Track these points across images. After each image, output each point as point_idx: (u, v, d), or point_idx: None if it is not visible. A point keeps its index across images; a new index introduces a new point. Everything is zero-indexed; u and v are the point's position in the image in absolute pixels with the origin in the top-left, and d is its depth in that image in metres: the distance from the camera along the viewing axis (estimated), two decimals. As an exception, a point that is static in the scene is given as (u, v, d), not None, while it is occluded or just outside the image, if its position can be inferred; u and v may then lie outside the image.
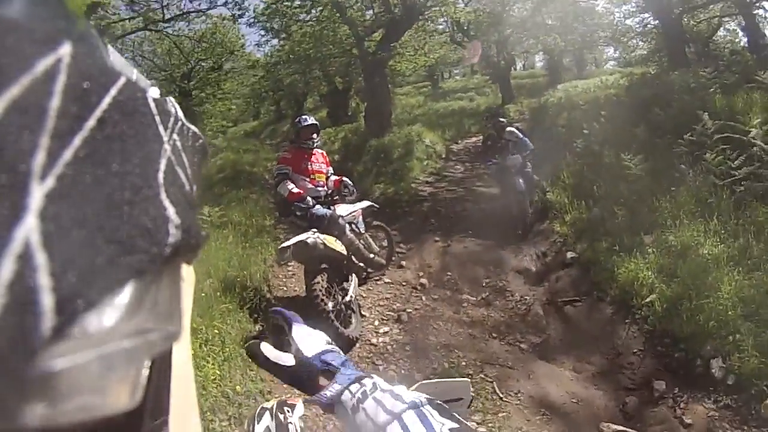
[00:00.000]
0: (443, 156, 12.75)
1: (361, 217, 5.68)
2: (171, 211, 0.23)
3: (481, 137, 12.86)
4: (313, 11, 14.67)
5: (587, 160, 8.11)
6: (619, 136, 7.91)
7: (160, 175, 0.24)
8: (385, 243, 6.39)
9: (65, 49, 0.20)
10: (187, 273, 0.36)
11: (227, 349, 4.30)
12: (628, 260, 5.16)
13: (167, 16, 16.63)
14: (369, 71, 13.18)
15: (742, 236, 4.69)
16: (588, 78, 19.67)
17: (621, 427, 3.70)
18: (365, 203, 5.91)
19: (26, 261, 0.17)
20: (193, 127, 0.31)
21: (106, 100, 0.22)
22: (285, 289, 6.05)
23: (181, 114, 0.30)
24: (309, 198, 5.17)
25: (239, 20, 15.00)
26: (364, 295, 5.75)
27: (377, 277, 6.17)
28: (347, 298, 4.88)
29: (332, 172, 5.76)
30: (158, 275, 0.23)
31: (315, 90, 20.89)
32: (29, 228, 0.17)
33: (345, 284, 5.01)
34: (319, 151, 5.71)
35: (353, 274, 5.21)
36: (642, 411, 3.86)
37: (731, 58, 11.80)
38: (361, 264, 5.47)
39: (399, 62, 15.67)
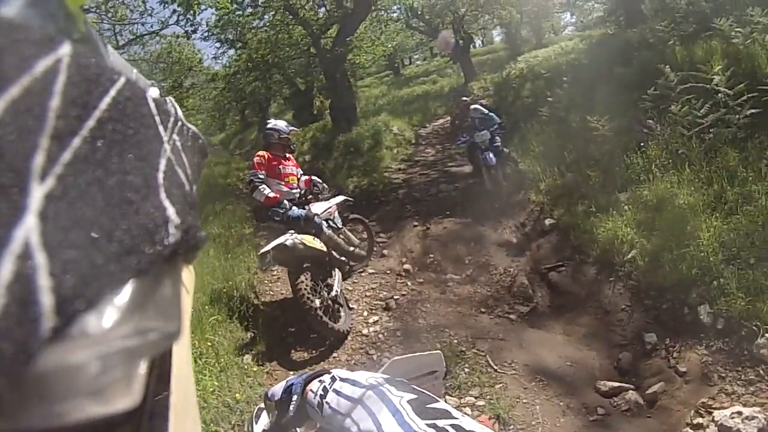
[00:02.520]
0: (413, 141, 12.83)
1: (336, 213, 5.69)
2: (171, 210, 0.24)
3: (448, 118, 12.95)
4: (266, 17, 14.56)
5: (555, 127, 8.18)
6: (583, 99, 7.96)
7: (160, 175, 0.24)
8: (364, 235, 6.42)
9: (65, 50, 0.20)
10: (187, 273, 0.36)
11: (222, 360, 4.31)
12: (606, 220, 5.21)
13: (121, 42, 16.40)
14: (329, 68, 13.12)
15: (716, 182, 4.72)
16: (548, 46, 19.67)
17: (617, 383, 3.76)
18: (339, 198, 5.93)
19: (26, 261, 0.17)
20: (193, 128, 0.31)
21: (106, 101, 0.22)
22: (272, 293, 6.03)
23: (180, 114, 0.30)
24: (286, 201, 5.17)
25: (193, 36, 14.81)
26: (350, 288, 5.75)
27: (361, 269, 6.18)
28: (333, 293, 4.89)
29: (302, 172, 5.75)
30: (158, 275, 0.23)
31: (278, 94, 20.75)
32: (29, 228, 0.17)
33: (329, 280, 5.02)
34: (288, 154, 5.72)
35: (336, 269, 5.21)
36: (636, 365, 3.92)
37: (687, 8, 11.86)
38: (343, 258, 5.50)
39: (358, 55, 15.62)
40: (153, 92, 0.26)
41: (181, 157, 0.27)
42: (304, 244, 4.71)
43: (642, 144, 5.90)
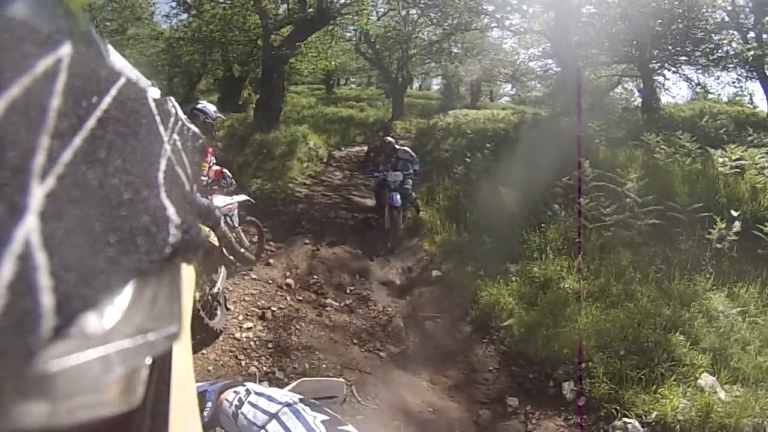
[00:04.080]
0: (324, 161, 12.86)
1: (236, 211, 5.58)
2: (171, 211, 0.24)
3: (365, 148, 13.04)
4: (230, -7, 14.26)
5: (464, 187, 8.48)
6: (500, 168, 8.34)
7: (161, 175, 0.24)
8: (255, 239, 6.29)
9: (65, 50, 0.20)
10: (187, 273, 0.35)
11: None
12: (492, 285, 5.47)
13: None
14: (269, 65, 13.02)
15: (604, 276, 5.11)
16: (480, 109, 20.21)
17: (476, 437, 3.91)
18: (242, 197, 5.76)
19: (26, 261, 0.17)
20: (193, 127, 0.31)
21: (107, 100, 0.22)
22: (153, 276, 5.82)
23: (181, 114, 0.30)
24: None
25: (155, -13, 14.24)
26: (231, 289, 5.63)
27: (244, 272, 6.05)
28: (215, 290, 4.77)
29: (214, 161, 5.62)
30: (158, 275, 0.23)
31: (211, 73, 20.15)
32: (29, 228, 0.17)
33: (214, 276, 4.88)
34: None
35: (222, 267, 5.09)
36: (495, 424, 4.08)
37: (623, 114, 12.63)
38: (231, 257, 5.40)
39: (300, 61, 15.47)
40: (153, 92, 0.27)
41: (181, 157, 0.28)
42: (197, 234, 4.60)
43: (543, 225, 6.26)
